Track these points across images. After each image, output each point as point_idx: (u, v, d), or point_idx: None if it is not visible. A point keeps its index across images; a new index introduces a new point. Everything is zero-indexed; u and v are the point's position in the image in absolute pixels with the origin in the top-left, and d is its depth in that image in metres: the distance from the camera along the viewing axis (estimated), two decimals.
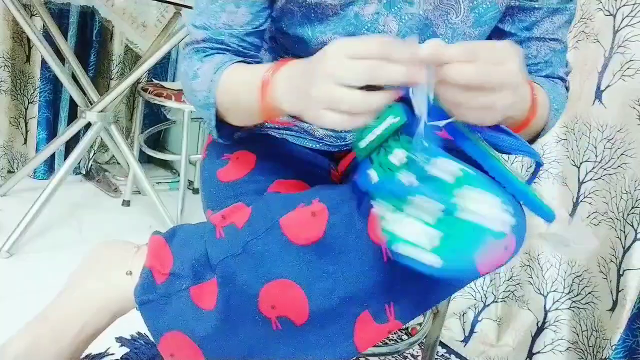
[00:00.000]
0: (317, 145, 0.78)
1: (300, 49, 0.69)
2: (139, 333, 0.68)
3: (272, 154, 0.74)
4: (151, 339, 0.59)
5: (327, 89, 0.46)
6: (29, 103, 2.07)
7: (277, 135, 0.78)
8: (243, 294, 0.54)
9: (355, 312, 0.54)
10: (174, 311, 0.56)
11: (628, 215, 1.10)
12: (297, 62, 0.54)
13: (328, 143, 0.78)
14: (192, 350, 0.55)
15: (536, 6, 0.69)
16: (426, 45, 0.46)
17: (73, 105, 2.14)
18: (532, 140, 0.73)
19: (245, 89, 0.59)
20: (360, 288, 0.54)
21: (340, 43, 0.47)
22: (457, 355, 1.39)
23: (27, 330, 0.58)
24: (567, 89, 0.78)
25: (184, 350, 0.56)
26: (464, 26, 0.67)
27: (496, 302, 1.38)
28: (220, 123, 0.67)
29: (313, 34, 0.67)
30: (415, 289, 0.55)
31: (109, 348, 0.62)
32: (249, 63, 0.67)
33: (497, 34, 0.73)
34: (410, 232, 0.47)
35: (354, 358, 0.57)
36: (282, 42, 0.73)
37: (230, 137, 0.71)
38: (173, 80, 2.45)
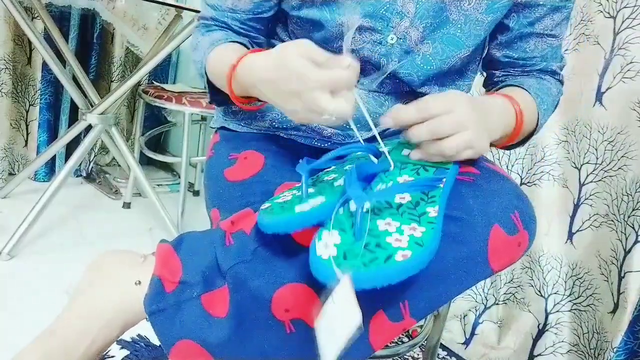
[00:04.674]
0: (326, 145, 0.77)
1: (316, 35, 0.73)
2: (139, 335, 0.68)
3: (281, 154, 0.74)
4: (152, 341, 0.58)
5: (312, 99, 0.51)
6: (29, 105, 2.07)
7: (284, 136, 0.78)
8: (255, 299, 0.54)
9: (370, 312, 0.54)
10: (185, 320, 0.55)
11: (629, 217, 1.10)
12: (261, 56, 0.60)
13: (336, 142, 0.77)
14: (205, 358, 0.55)
15: (541, 3, 0.73)
16: (385, 116, 0.58)
17: (74, 108, 2.15)
18: (525, 140, 0.78)
19: (223, 70, 0.67)
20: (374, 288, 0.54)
21: (305, 48, 0.53)
22: (458, 357, 1.39)
23: (37, 345, 0.56)
24: (561, 82, 0.82)
25: (195, 359, 0.55)
26: (476, 13, 0.70)
27: (497, 304, 1.38)
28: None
29: (332, 15, 0.70)
30: (428, 286, 0.55)
31: (109, 350, 0.62)
32: (247, 44, 0.75)
33: (500, 29, 0.77)
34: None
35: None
36: (298, 33, 0.76)
37: (225, 104, 0.78)
38: (174, 83, 2.45)
